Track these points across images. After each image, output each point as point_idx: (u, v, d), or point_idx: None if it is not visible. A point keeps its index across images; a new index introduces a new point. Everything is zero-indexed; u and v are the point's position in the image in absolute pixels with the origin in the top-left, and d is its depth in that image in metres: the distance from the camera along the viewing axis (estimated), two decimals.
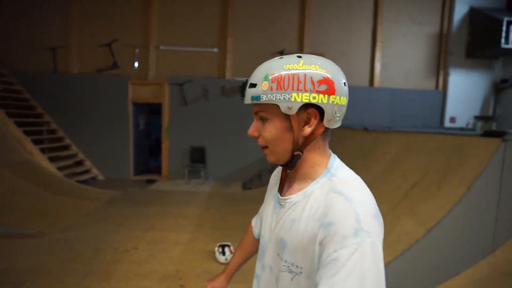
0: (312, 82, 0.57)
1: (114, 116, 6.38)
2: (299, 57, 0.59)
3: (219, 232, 3.56)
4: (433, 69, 6.96)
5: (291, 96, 0.57)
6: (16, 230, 3.31)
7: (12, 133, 5.32)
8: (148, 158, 7.75)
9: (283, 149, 0.62)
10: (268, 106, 0.60)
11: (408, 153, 3.03)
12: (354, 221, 0.52)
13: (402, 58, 6.85)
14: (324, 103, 0.58)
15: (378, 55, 6.73)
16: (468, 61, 6.83)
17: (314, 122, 0.60)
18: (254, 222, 0.95)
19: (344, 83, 0.61)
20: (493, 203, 2.13)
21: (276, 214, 0.70)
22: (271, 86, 0.58)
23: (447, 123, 6.86)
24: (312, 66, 0.58)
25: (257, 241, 0.92)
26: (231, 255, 2.81)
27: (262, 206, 0.86)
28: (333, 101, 0.59)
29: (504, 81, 6.73)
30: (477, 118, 6.92)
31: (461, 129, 6.62)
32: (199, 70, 6.49)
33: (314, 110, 0.59)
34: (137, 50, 6.27)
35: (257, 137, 0.65)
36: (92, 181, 6.18)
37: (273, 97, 0.58)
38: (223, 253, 2.83)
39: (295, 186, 0.67)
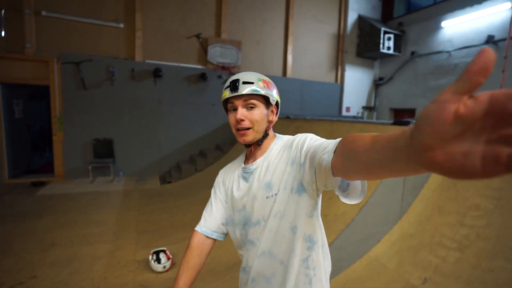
0: (275, 88, 0.92)
1: None
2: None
3: (147, 235, 3.14)
4: (333, 64, 7.95)
5: (273, 92, 0.89)
6: None
7: None
8: (31, 155, 6.12)
9: (262, 129, 0.88)
10: (258, 98, 0.86)
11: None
12: (300, 135, 0.84)
13: (309, 52, 7.53)
14: (279, 101, 0.93)
15: (289, 47, 7.18)
16: (358, 60, 8.11)
17: (275, 112, 0.92)
18: (200, 226, 0.99)
19: None
20: (401, 181, 2.60)
21: (248, 181, 0.91)
22: (264, 85, 0.87)
23: (344, 112, 8.04)
24: (270, 80, 0.92)
25: (205, 252, 0.97)
26: (169, 261, 2.52)
27: (212, 204, 1.00)
28: (279, 100, 0.93)
29: (380, 78, 8.34)
30: (364, 108, 8.38)
31: (354, 117, 7.90)
32: (102, 48, 5.42)
33: (275, 106, 0.92)
34: (2, 12, 4.69)
35: (243, 120, 0.85)
36: None
37: (266, 92, 0.86)
38: (158, 260, 2.50)
39: (259, 156, 0.92)
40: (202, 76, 6.11)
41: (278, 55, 7.15)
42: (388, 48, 7.36)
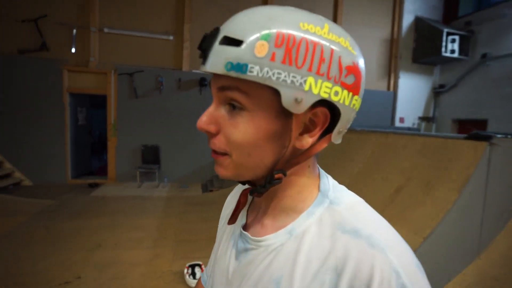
0: (340, 67, 0.35)
1: (46, 109, 5.27)
2: (322, 19, 0.36)
3: (185, 245, 3.09)
4: (385, 71, 7.36)
5: (305, 81, 0.33)
6: None
7: None
8: (90, 158, 6.70)
9: (258, 164, 0.38)
10: (254, 88, 0.34)
11: (387, 154, 2.98)
12: (394, 285, 0.31)
13: None
14: (345, 105, 0.36)
15: None
16: (414, 66, 7.39)
17: (318, 130, 0.37)
18: (205, 277, 0.60)
19: None
20: (479, 207, 2.14)
21: (238, 262, 0.43)
22: (274, 53, 0.32)
23: (397, 123, 7.34)
24: (341, 40, 0.35)
25: None
26: None
27: (214, 248, 0.55)
28: (354, 104, 0.38)
29: (441, 86, 7.47)
30: (420, 118, 7.56)
31: (409, 128, 7.16)
32: (152, 59, 5.75)
33: (326, 112, 0.36)
34: (74, 31, 5.25)
35: (212, 134, 0.38)
36: (15, 188, 5.04)
37: (274, 74, 0.33)
38: (194, 275, 2.40)
39: (269, 221, 0.42)
40: None
41: None
42: (452, 52, 6.56)
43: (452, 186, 2.09)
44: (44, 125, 5.30)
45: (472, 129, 6.67)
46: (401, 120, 7.41)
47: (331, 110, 0.37)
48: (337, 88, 0.35)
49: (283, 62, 0.33)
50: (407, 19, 7.23)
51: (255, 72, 0.33)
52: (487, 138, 2.08)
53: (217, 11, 6.01)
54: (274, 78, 0.33)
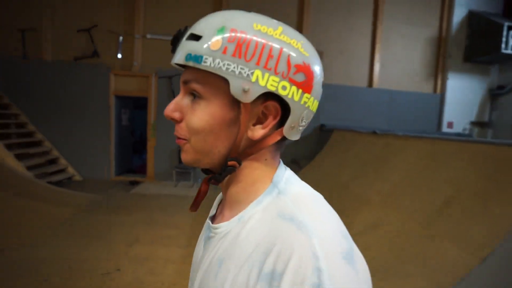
0: (288, 64, 0.38)
1: (94, 110, 5.74)
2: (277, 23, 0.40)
3: None
4: (431, 72, 6.82)
5: (252, 73, 0.37)
6: None
7: None
8: (131, 157, 7.13)
9: (213, 150, 0.42)
10: (209, 78, 0.39)
11: (433, 162, 2.73)
12: (310, 270, 0.31)
13: (400, 59, 6.66)
14: (294, 101, 0.39)
15: (377, 55, 6.50)
16: (466, 66, 6.75)
17: (271, 122, 0.41)
18: None
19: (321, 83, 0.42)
20: None
21: (204, 250, 0.48)
22: (226, 47, 0.37)
23: (444, 128, 6.76)
24: (293, 42, 0.39)
25: None
26: None
27: None
28: (305, 102, 0.40)
29: (500, 87, 6.71)
30: (473, 123, 6.87)
31: (458, 134, 6.54)
32: None
33: (276, 105, 0.40)
34: (121, 38, 5.65)
35: (177, 121, 0.43)
36: (68, 182, 5.53)
37: (224, 64, 0.37)
38: None
39: (227, 211, 0.47)
40: None
41: (364, 64, 6.54)
42: None
43: None
44: (93, 125, 5.76)
45: None
46: (449, 125, 6.80)
47: (283, 105, 0.40)
48: (285, 83, 0.38)
49: (233, 55, 0.37)
50: (459, 14, 6.63)
51: (208, 63, 0.37)
52: None
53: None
54: (224, 69, 0.37)
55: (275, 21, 0.40)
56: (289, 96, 0.39)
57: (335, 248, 0.34)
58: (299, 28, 6.23)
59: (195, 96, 0.41)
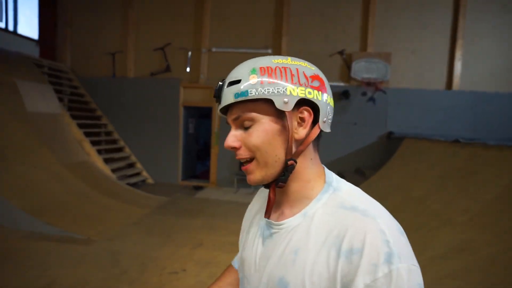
0: (305, 76, 0.51)
1: (165, 120, 6.36)
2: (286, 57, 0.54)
3: None
4: None
5: (286, 89, 0.49)
6: (69, 235, 3.24)
7: (74, 134, 5.53)
8: (196, 163, 7.64)
9: (275, 158, 0.51)
10: (255, 105, 0.50)
11: None
12: (382, 243, 0.42)
13: (489, 55, 5.72)
14: (319, 100, 0.51)
15: (458, 53, 5.70)
16: None
17: (308, 122, 0.52)
18: (237, 263, 0.75)
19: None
20: None
21: (264, 247, 0.56)
22: (261, 80, 0.49)
23: None
24: (301, 63, 0.52)
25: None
26: None
27: (240, 240, 0.70)
28: (326, 100, 0.52)
29: None
30: None
31: None
32: None
33: (307, 108, 0.51)
34: (189, 53, 6.17)
35: (238, 149, 0.52)
36: (142, 184, 6.19)
37: (265, 90, 0.49)
38: None
39: (287, 210, 0.55)
40: (345, 94, 5.79)
41: (441, 64, 5.81)
42: None
43: None
44: (164, 133, 6.37)
45: None
46: None
47: (312, 107, 0.51)
48: (309, 90, 0.50)
49: (269, 82, 0.49)
50: None
51: (253, 93, 0.49)
52: None
53: (312, 21, 5.97)
54: (266, 93, 0.49)
55: (287, 57, 0.53)
56: (315, 98, 0.50)
57: (393, 225, 0.46)
58: (364, 30, 5.89)
59: (246, 126, 0.51)
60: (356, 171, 5.67)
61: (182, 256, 2.96)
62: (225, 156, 6.24)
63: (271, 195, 0.54)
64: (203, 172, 7.44)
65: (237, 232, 2.98)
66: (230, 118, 0.53)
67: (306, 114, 0.51)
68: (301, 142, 0.52)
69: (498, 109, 5.66)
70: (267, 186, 0.55)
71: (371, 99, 5.75)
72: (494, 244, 2.19)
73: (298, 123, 0.52)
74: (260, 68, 0.50)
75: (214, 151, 6.35)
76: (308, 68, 0.52)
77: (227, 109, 0.54)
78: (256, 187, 5.27)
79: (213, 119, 6.29)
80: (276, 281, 0.51)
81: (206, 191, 5.94)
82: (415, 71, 5.86)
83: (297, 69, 0.50)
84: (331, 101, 0.53)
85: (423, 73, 5.84)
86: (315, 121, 0.52)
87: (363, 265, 0.42)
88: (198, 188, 6.06)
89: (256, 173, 0.52)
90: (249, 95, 0.49)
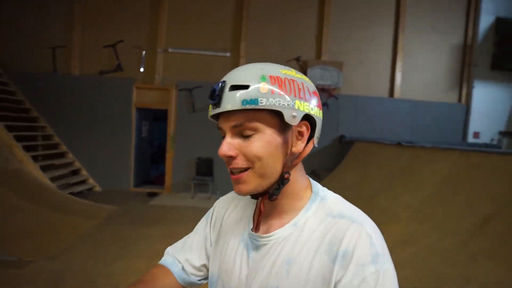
0: (309, 92, 0.51)
1: (116, 122, 5.89)
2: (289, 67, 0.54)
3: None
4: (456, 81, 6.60)
5: (294, 103, 0.48)
6: None
7: (2, 138, 4.80)
8: (149, 168, 7.23)
9: (273, 170, 0.50)
10: (260, 115, 0.48)
11: (470, 176, 2.57)
12: (370, 246, 0.46)
13: (423, 68, 6.49)
14: (317, 117, 0.52)
15: (399, 64, 6.36)
16: (493, 74, 6.48)
17: (306, 136, 0.52)
18: (171, 259, 0.69)
19: None
20: None
21: (250, 259, 0.55)
22: (272, 89, 0.47)
23: (470, 139, 6.46)
24: (303, 77, 0.52)
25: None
26: None
27: (196, 241, 0.69)
28: (321, 116, 0.54)
29: None
30: (502, 133, 6.53)
31: (486, 145, 6.22)
32: (210, 75, 6.03)
33: (306, 123, 0.52)
34: (143, 53, 5.83)
35: (233, 158, 0.50)
36: (88, 192, 5.64)
37: (276, 102, 0.47)
38: None
39: (275, 221, 0.55)
40: None
41: (385, 74, 6.42)
42: None
43: None
44: (114, 137, 5.90)
45: None
46: (476, 135, 6.50)
47: (310, 122, 0.52)
48: (312, 106, 0.51)
49: (279, 94, 0.47)
50: (485, 21, 6.41)
51: (264, 103, 0.47)
52: None
53: (271, 27, 6.12)
54: (277, 104, 0.47)
55: (288, 67, 0.53)
56: (315, 114, 0.51)
57: (376, 230, 0.49)
58: (319, 39, 6.22)
59: (246, 135, 0.49)
60: (312, 173, 5.92)
61: (139, 270, 2.74)
62: (182, 160, 6.02)
63: (262, 208, 0.54)
64: (157, 177, 7.06)
65: None
66: (227, 125, 0.50)
67: (305, 129, 0.52)
68: (296, 156, 0.52)
69: (430, 116, 6.43)
70: (254, 197, 0.54)
71: (325, 104, 6.08)
72: (432, 235, 2.46)
73: (296, 137, 0.52)
74: (270, 76, 0.48)
75: (169, 155, 6.08)
76: (310, 84, 0.52)
77: (219, 114, 0.51)
78: (214, 192, 5.19)
79: (169, 121, 6.02)
80: None
81: (161, 197, 5.64)
82: (363, 79, 6.37)
83: (302, 84, 0.50)
84: (321, 115, 0.55)
85: (370, 82, 6.38)
86: (310, 136, 0.53)
87: (353, 266, 0.45)
88: (152, 195, 5.73)
89: (250, 183, 0.50)
90: (259, 104, 0.46)
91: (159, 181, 6.66)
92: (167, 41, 5.94)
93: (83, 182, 5.82)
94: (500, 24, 6.36)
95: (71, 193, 5.07)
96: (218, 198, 0.73)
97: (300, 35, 6.20)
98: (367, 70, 6.36)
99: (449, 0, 6.47)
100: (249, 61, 6.09)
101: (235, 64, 6.05)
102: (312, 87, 0.52)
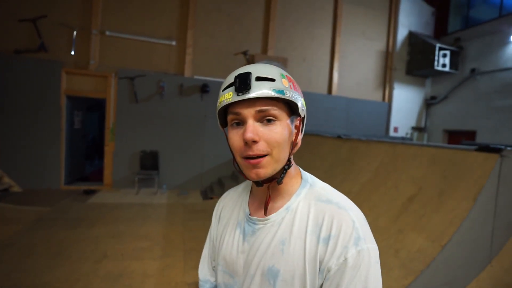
0: (300, 91, 0.59)
1: (41, 111, 5.08)
2: None
3: (194, 255, 3.02)
4: (381, 82, 7.59)
5: (301, 98, 0.58)
6: None
7: None
8: (84, 163, 6.47)
9: (285, 156, 0.57)
10: (279, 105, 0.55)
11: (396, 164, 3.05)
12: (352, 230, 0.52)
13: (356, 69, 7.28)
14: (304, 111, 0.60)
15: (336, 64, 6.99)
16: (407, 78, 7.66)
17: (299, 129, 0.60)
18: (203, 273, 0.76)
19: None
20: (491, 216, 2.21)
21: (247, 242, 0.61)
22: (290, 85, 0.56)
23: (391, 133, 7.54)
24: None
25: None
26: None
27: (209, 244, 0.75)
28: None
29: (433, 97, 7.77)
30: (413, 128, 7.81)
31: (402, 138, 7.36)
32: (154, 64, 5.68)
33: (300, 118, 0.60)
34: (75, 33, 5.13)
35: (257, 142, 0.54)
36: (4, 194, 4.79)
37: (294, 95, 0.56)
38: None
39: (270, 206, 0.61)
40: None
41: (324, 72, 6.98)
42: (444, 66, 6.87)
43: (466, 196, 2.17)
44: (38, 128, 5.10)
45: (461, 138, 6.95)
46: (395, 129, 7.62)
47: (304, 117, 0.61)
48: (303, 101, 0.59)
49: (294, 90, 0.56)
50: (402, 33, 7.52)
51: (288, 95, 0.55)
52: (498, 151, 2.17)
53: (220, 18, 6.04)
54: (294, 97, 0.56)
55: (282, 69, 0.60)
56: (305, 109, 0.60)
57: (360, 215, 0.55)
58: (265, 34, 6.38)
59: (269, 120, 0.54)
60: None
61: (84, 274, 2.51)
62: (123, 154, 5.56)
63: (270, 193, 0.60)
64: (94, 172, 6.40)
65: (146, 236, 2.85)
66: (251, 110, 0.54)
67: (300, 122, 0.60)
68: (295, 145, 0.60)
69: (361, 112, 7.28)
70: (260, 184, 0.58)
71: None
72: (370, 215, 2.86)
73: (297, 128, 0.60)
74: (286, 75, 0.57)
75: (108, 149, 5.55)
76: (296, 83, 0.61)
77: (229, 105, 0.56)
78: (160, 186, 4.99)
79: (108, 112, 5.46)
80: (265, 270, 0.56)
81: (100, 194, 5.14)
82: (306, 76, 6.81)
83: (297, 83, 0.60)
84: None
85: (312, 79, 6.87)
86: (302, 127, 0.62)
87: (338, 248, 0.51)
88: (89, 192, 5.17)
89: (268, 168, 0.55)
90: (285, 95, 0.54)
91: (96, 177, 6.05)
92: (104, 22, 5.34)
93: None
94: (412, 37, 7.53)
95: None
96: (164, 192, 0.84)
97: (248, 29, 6.27)
98: (309, 67, 6.82)
99: (376, 10, 7.34)
100: (197, 51, 5.95)
101: (182, 53, 5.81)
102: (298, 86, 0.60)
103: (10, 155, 5.00)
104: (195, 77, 5.88)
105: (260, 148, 0.53)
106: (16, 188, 5.06)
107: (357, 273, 0.49)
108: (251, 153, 0.53)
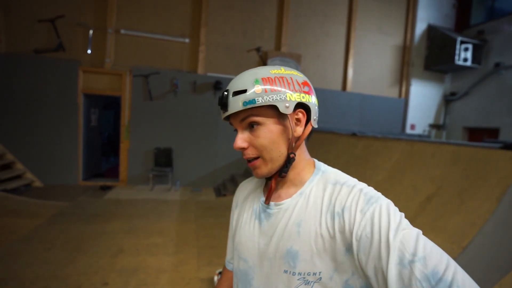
0: (298, 83, 0.60)
1: (59, 109, 5.24)
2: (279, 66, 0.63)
3: (207, 252, 3.05)
4: (397, 78, 7.37)
5: (285, 96, 0.58)
6: None
7: None
8: (100, 159, 6.65)
9: (279, 154, 0.61)
10: (259, 110, 0.59)
11: (414, 162, 2.95)
12: (363, 197, 0.54)
13: (371, 65, 7.09)
14: (310, 102, 0.61)
15: (350, 60, 6.84)
16: (425, 73, 7.40)
17: (303, 121, 0.62)
18: (230, 252, 0.81)
19: None
20: None
21: (263, 226, 0.65)
22: (265, 89, 0.58)
23: (408, 130, 7.33)
24: (292, 71, 0.61)
25: None
26: None
27: (232, 234, 0.78)
28: (314, 101, 0.63)
29: (452, 94, 7.48)
30: (431, 126, 7.55)
31: (419, 135, 7.14)
32: (168, 62, 5.73)
33: (301, 110, 0.62)
34: (91, 32, 5.24)
35: (246, 149, 0.61)
36: (26, 189, 4.98)
37: (269, 98, 0.58)
38: None
39: (283, 192, 0.65)
40: None
41: (339, 69, 6.85)
42: (465, 60, 6.58)
43: (489, 196, 2.07)
44: (57, 125, 5.27)
45: (483, 136, 6.67)
46: (412, 127, 7.40)
47: (304, 109, 0.62)
48: (302, 94, 0.60)
49: (271, 91, 0.57)
50: (420, 27, 7.26)
51: (260, 101, 0.57)
52: None
53: (232, 15, 6.02)
54: (270, 100, 0.57)
55: (279, 66, 0.61)
56: (307, 101, 0.60)
57: (365, 185, 0.58)
58: (279, 31, 6.32)
59: (253, 126, 0.59)
60: None
61: (101, 268, 2.58)
62: (138, 151, 5.67)
63: (273, 185, 0.63)
64: (110, 169, 6.56)
65: (160, 232, 2.87)
66: (236, 121, 0.61)
67: (301, 115, 0.61)
68: (298, 138, 0.62)
69: (376, 109, 7.11)
70: (268, 178, 0.64)
71: None
72: None
73: (295, 123, 0.61)
74: (262, 78, 0.58)
75: (124, 146, 5.66)
76: (299, 76, 0.61)
77: (229, 116, 0.62)
78: (174, 183, 5.10)
79: (123, 109, 5.57)
80: (284, 251, 0.59)
81: (116, 190, 5.27)
82: (320, 72, 6.70)
83: (291, 78, 0.59)
84: (317, 102, 0.64)
85: (326, 75, 6.75)
86: (308, 120, 0.63)
87: (357, 215, 0.52)
88: (106, 188, 5.31)
89: (263, 168, 0.61)
90: (257, 102, 0.57)
91: (112, 174, 6.20)
92: (119, 21, 5.43)
93: (18, 177, 5.11)
94: (431, 31, 7.25)
95: (4, 190, 4.44)
96: (178, 189, 0.87)
97: (261, 26, 6.22)
98: (323, 63, 6.70)
99: (392, 5, 7.12)
100: (210, 48, 5.96)
101: (195, 50, 5.83)
102: (301, 78, 0.61)
103: (32, 151, 5.19)
104: (208, 74, 5.90)
105: (249, 152, 0.61)
106: (37, 183, 5.26)
107: (381, 218, 0.50)
108: (244, 157, 0.62)
